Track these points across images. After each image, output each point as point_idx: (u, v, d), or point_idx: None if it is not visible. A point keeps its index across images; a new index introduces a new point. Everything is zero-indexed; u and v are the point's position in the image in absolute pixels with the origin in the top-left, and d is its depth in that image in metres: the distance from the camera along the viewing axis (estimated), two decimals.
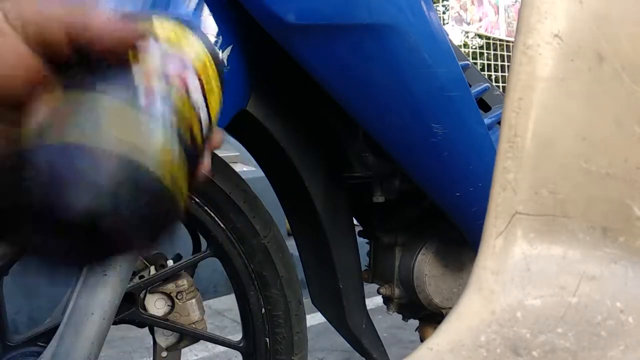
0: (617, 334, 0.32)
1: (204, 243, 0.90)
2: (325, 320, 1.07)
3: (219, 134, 0.33)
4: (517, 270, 0.35)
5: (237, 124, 0.77)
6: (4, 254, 0.70)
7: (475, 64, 3.80)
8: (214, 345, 1.86)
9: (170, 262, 0.85)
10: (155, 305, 0.84)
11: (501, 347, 0.33)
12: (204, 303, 0.94)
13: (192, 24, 0.33)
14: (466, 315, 0.34)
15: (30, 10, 0.22)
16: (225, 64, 0.67)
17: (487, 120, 0.87)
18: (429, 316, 1.08)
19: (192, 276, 0.89)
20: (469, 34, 5.21)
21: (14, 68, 0.22)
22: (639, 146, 0.34)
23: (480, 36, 4.61)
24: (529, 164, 0.36)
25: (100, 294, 0.67)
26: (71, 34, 0.23)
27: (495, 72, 4.17)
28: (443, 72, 0.71)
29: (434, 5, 0.79)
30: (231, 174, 0.84)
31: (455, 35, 4.43)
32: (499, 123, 0.57)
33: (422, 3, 0.68)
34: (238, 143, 0.96)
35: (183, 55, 0.30)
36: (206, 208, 0.82)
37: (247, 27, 0.69)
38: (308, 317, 0.95)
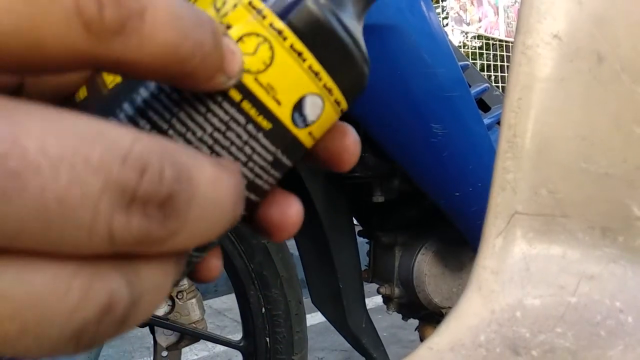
0: (617, 333, 0.32)
1: None
2: (325, 320, 1.07)
3: None
4: (516, 270, 0.35)
5: None
6: None
7: (475, 64, 3.80)
8: (214, 344, 1.86)
9: None
10: None
11: (501, 346, 0.33)
12: (204, 303, 0.94)
13: None
14: (466, 315, 0.34)
15: None
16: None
17: (486, 120, 0.87)
18: (428, 316, 1.09)
19: None
20: (468, 35, 5.21)
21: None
22: (638, 146, 0.34)
23: (479, 37, 4.61)
24: (528, 164, 0.36)
25: None
26: None
27: (495, 72, 4.17)
28: (443, 72, 0.71)
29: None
30: None
31: (455, 35, 4.44)
32: (499, 123, 0.57)
33: (422, 3, 0.68)
34: None
35: None
36: None
37: None
38: (308, 317, 0.95)
